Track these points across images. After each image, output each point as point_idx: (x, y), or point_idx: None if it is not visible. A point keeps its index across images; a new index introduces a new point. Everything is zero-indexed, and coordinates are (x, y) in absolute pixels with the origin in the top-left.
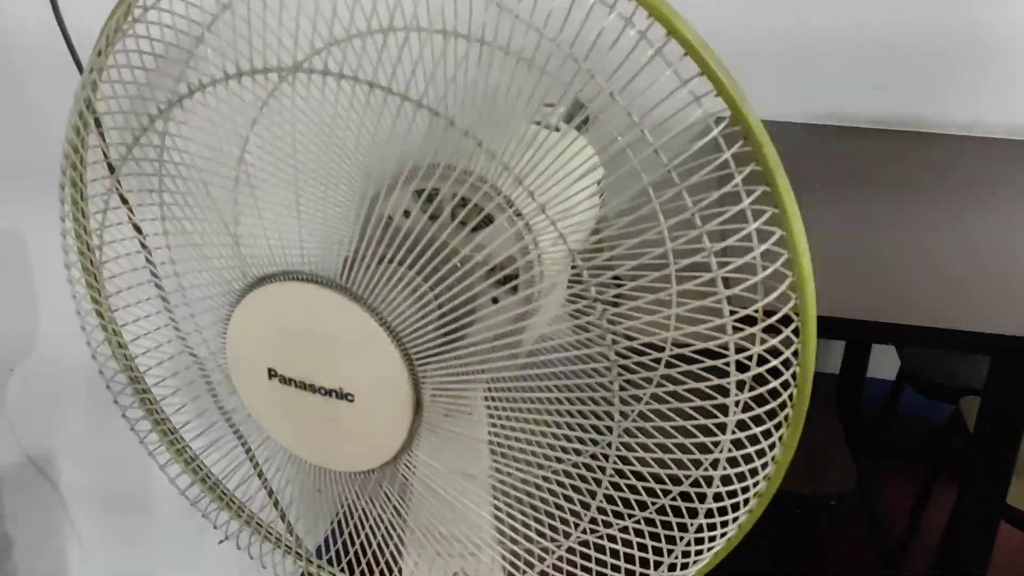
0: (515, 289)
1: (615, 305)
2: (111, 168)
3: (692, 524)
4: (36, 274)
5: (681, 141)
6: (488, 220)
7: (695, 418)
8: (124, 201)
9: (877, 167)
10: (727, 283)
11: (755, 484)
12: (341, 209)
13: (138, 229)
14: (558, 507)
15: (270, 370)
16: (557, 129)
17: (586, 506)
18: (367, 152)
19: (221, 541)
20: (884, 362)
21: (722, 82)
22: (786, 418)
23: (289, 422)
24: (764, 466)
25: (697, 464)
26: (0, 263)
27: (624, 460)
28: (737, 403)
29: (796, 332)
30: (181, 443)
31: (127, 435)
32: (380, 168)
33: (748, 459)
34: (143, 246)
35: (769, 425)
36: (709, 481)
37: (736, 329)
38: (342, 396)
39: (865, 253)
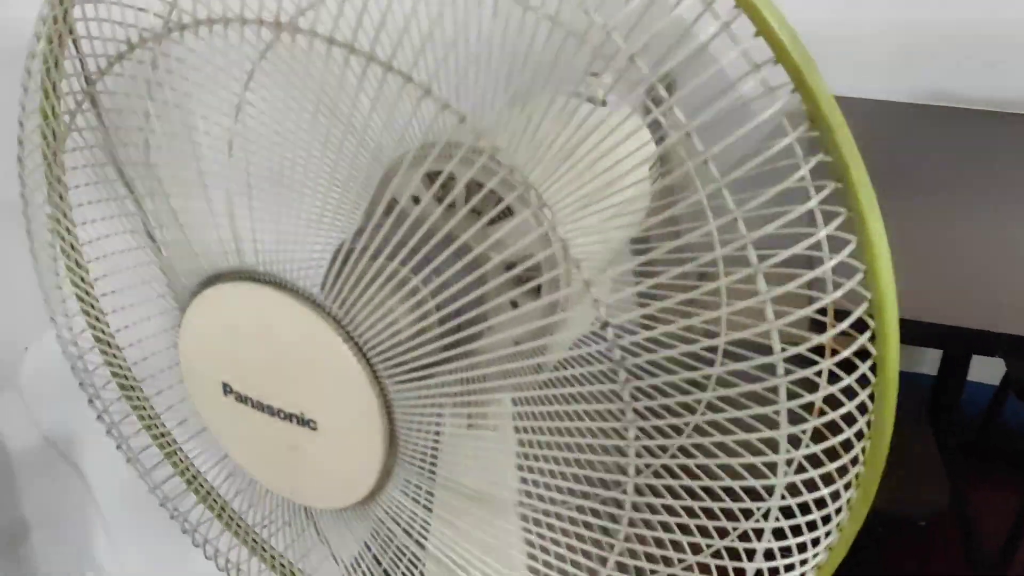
0: (537, 291)
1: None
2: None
3: None
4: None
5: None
6: (508, 212)
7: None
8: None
9: (986, 153)
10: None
11: (814, 556)
12: (328, 200)
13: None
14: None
15: (225, 385)
16: (604, 103)
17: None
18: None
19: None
20: (987, 365)
21: (782, 43)
22: (856, 477)
23: (249, 447)
24: (827, 534)
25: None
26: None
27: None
28: (790, 462)
29: (872, 367)
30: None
31: None
32: (381, 146)
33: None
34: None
35: (838, 486)
36: (751, 554)
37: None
38: (304, 423)
39: (967, 250)
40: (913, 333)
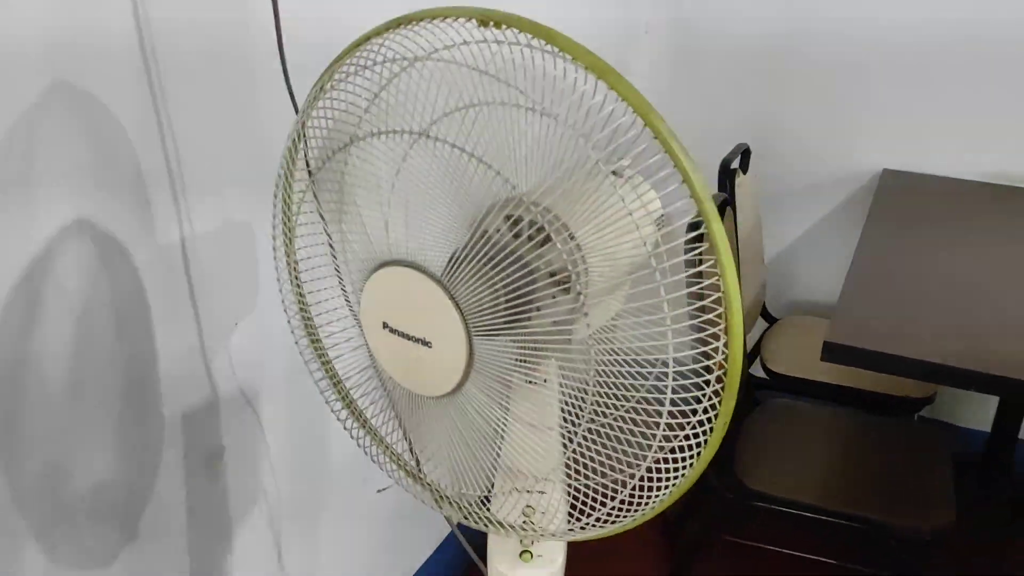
0: (567, 290)
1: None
2: (310, 174)
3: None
4: (260, 257)
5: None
6: (548, 239)
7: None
8: (316, 198)
9: None
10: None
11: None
12: (448, 224)
13: (325, 223)
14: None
15: (384, 323)
16: (618, 174)
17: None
18: (468, 190)
19: (380, 490)
20: None
21: (691, 180)
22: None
23: (394, 360)
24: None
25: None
26: (236, 246)
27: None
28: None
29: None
30: (343, 388)
31: (313, 388)
32: (479, 200)
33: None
34: (328, 235)
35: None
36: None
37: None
38: (425, 343)
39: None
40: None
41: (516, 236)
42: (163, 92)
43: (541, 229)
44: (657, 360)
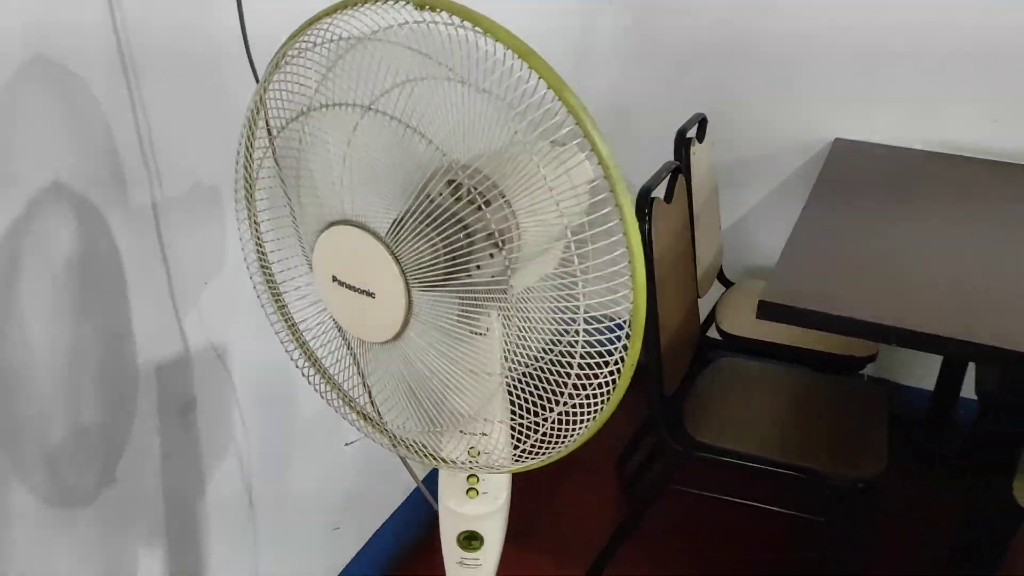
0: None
1: None
2: (270, 135)
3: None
4: (227, 221)
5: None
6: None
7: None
8: (276, 163)
9: (986, 193)
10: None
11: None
12: (391, 188)
13: (284, 185)
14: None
15: (333, 276)
16: (563, 144)
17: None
18: (408, 158)
19: (348, 443)
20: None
21: (599, 149)
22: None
23: (342, 309)
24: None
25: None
26: (204, 210)
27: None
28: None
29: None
30: (302, 338)
31: (281, 345)
32: (419, 167)
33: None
34: (286, 195)
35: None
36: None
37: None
38: (369, 295)
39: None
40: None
41: (457, 200)
42: (134, 66)
43: (480, 194)
44: (578, 314)
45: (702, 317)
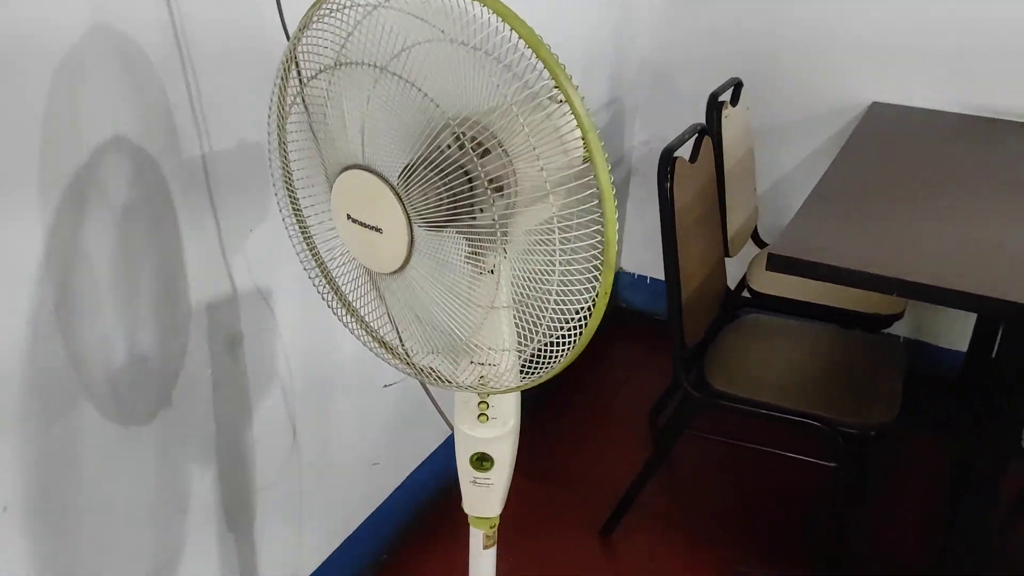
0: (501, 191)
1: None
2: (301, 83)
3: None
4: (270, 175)
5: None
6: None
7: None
8: (306, 108)
9: (1019, 155)
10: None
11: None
12: (400, 138)
13: (313, 132)
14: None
15: (347, 214)
16: (561, 101)
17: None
18: (413, 114)
19: (386, 385)
20: None
21: (571, 99)
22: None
23: (355, 242)
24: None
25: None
26: (249, 164)
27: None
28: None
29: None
30: (327, 272)
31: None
32: (422, 122)
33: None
34: (315, 137)
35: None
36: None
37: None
38: (378, 230)
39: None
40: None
41: (460, 148)
42: (184, 32)
43: (480, 144)
44: (554, 246)
45: (736, 277)
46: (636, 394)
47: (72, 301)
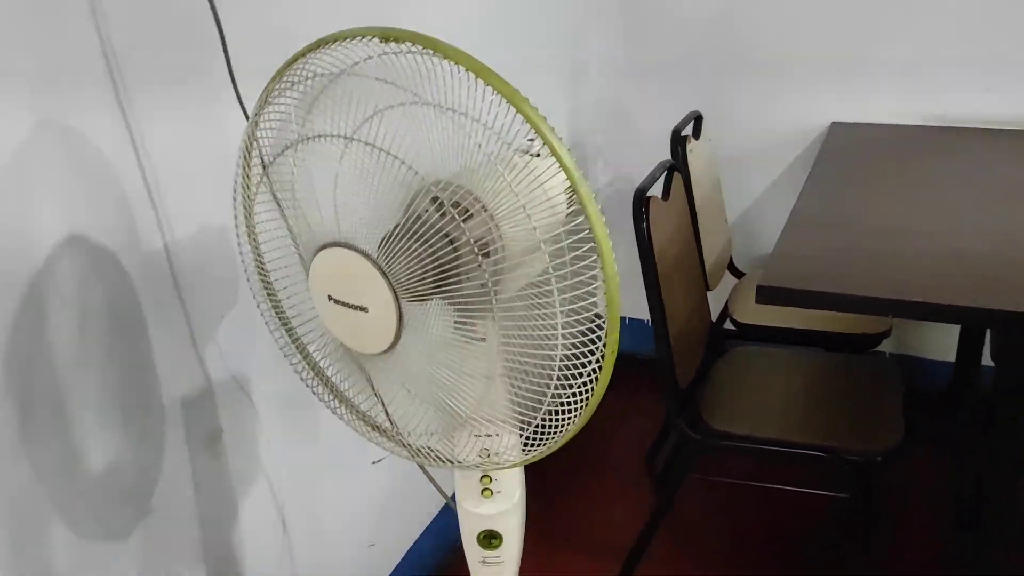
0: (488, 255)
1: None
2: (264, 166)
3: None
4: (237, 256)
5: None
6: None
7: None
8: (272, 191)
9: (983, 160)
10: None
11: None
12: (375, 209)
13: (283, 214)
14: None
15: (328, 295)
16: (537, 155)
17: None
18: (387, 181)
19: (375, 462)
20: None
21: (559, 154)
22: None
23: (339, 324)
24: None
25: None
26: (214, 248)
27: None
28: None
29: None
30: (310, 358)
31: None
32: (400, 188)
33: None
34: (286, 222)
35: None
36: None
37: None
38: (363, 309)
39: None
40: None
41: (442, 215)
42: (135, 117)
43: (464, 208)
44: (555, 308)
45: (717, 309)
46: (629, 440)
47: (36, 418)
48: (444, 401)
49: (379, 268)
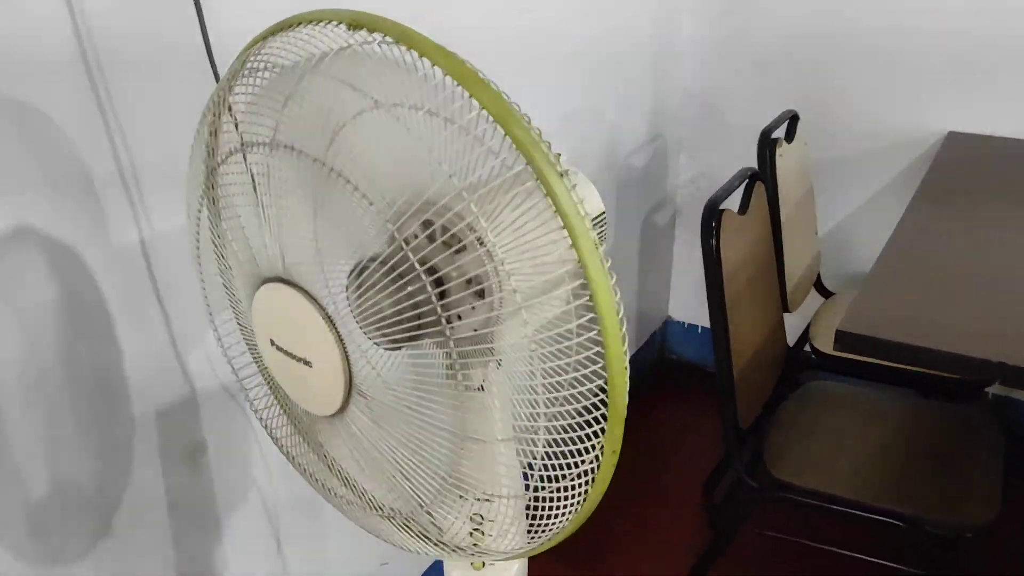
0: (482, 295)
1: None
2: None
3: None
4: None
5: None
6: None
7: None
8: (211, 209)
9: None
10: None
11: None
12: (329, 240)
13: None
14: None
15: (271, 339)
16: (566, 173)
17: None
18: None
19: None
20: None
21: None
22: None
23: (284, 376)
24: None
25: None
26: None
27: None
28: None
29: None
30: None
31: None
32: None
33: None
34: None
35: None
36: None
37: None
38: (306, 363)
39: None
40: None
41: (417, 249)
42: (108, 94)
43: (446, 231)
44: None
45: (797, 332)
46: (690, 461)
47: None
48: (402, 486)
49: (325, 315)
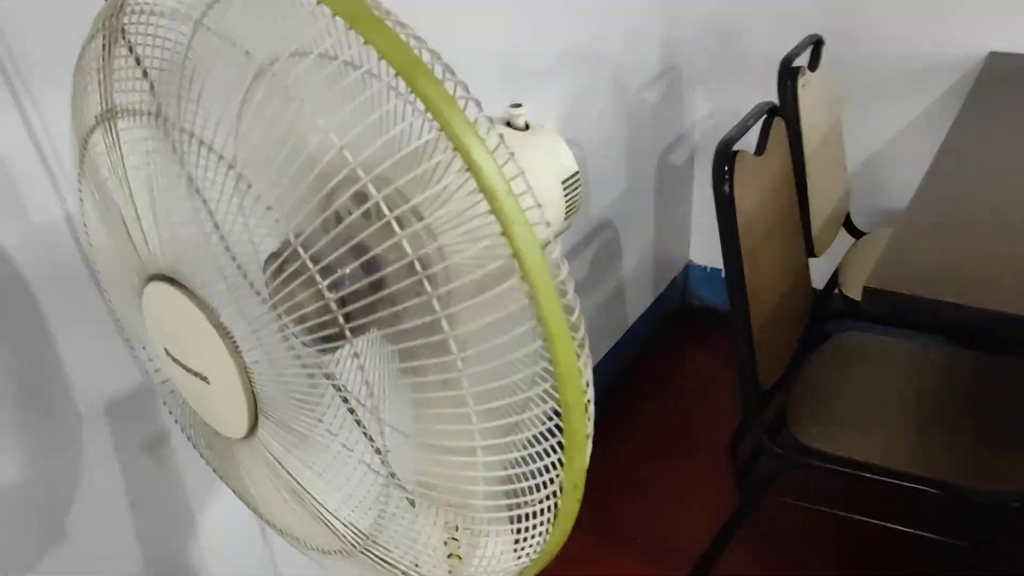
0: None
1: None
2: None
3: None
4: None
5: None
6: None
7: None
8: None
9: None
10: None
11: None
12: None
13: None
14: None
15: (165, 348)
16: (526, 127)
17: None
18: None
19: None
20: None
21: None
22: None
23: (187, 391)
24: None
25: None
26: None
27: None
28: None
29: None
30: None
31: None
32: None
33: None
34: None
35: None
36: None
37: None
38: (203, 378)
39: None
40: None
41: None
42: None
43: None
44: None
45: (825, 277)
46: (715, 415)
47: None
48: (326, 519)
49: (215, 323)
